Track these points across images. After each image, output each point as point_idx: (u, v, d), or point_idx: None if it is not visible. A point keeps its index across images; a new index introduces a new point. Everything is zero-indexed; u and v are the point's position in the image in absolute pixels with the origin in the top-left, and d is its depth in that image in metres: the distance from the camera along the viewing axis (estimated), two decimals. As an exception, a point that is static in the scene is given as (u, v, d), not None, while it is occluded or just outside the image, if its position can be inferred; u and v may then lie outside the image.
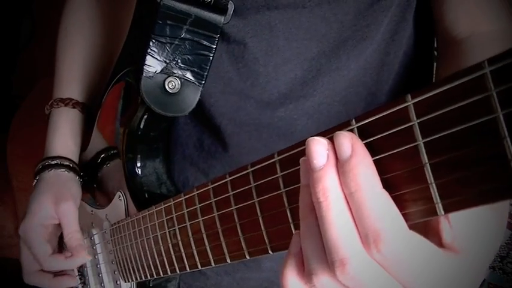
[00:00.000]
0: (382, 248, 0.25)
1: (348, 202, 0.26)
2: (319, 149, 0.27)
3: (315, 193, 0.27)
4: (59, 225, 0.61)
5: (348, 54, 0.53)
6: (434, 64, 0.61)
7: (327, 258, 0.27)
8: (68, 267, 0.62)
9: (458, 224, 0.28)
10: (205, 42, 0.51)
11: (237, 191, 0.37)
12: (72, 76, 0.68)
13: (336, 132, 0.27)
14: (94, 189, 0.69)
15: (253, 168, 0.35)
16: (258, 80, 0.54)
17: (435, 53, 0.60)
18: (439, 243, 0.28)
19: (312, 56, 0.53)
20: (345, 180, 0.26)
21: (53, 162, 0.62)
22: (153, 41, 0.50)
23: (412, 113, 0.25)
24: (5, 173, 1.33)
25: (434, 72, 0.61)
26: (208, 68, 0.51)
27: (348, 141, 0.26)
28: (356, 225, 0.26)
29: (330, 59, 0.53)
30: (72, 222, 0.60)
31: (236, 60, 0.54)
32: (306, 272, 0.29)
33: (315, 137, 0.27)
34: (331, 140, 0.27)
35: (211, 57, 0.51)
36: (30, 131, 1.31)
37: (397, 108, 0.26)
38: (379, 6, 0.52)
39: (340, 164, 0.26)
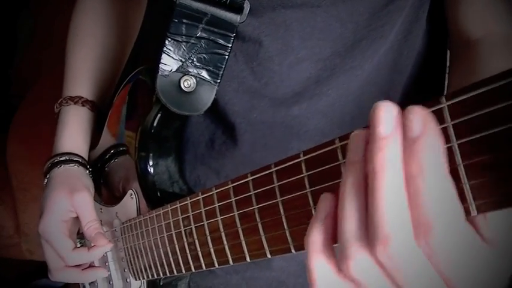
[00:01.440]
0: (431, 241, 0.24)
1: (407, 183, 0.24)
2: (387, 116, 0.24)
3: (373, 162, 0.25)
4: (77, 219, 0.61)
5: (362, 54, 0.53)
6: (447, 64, 0.62)
7: (368, 236, 0.26)
8: (92, 258, 0.61)
9: (494, 218, 0.26)
10: (221, 41, 0.51)
11: (259, 190, 0.37)
12: (82, 74, 0.68)
13: (408, 107, 0.24)
14: (101, 186, 0.69)
15: (276, 168, 0.35)
16: (272, 79, 0.54)
17: (448, 53, 0.60)
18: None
19: (326, 55, 0.53)
20: (408, 161, 0.24)
21: (61, 159, 0.62)
22: (169, 39, 0.50)
23: (447, 115, 0.25)
24: (5, 172, 1.33)
25: (447, 72, 0.62)
26: (223, 66, 0.52)
27: (420, 119, 0.24)
28: (410, 209, 0.24)
29: (344, 59, 0.53)
30: (89, 212, 0.60)
31: (251, 59, 0.54)
32: (340, 254, 0.27)
33: (385, 102, 0.25)
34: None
35: (226, 56, 0.51)
36: (30, 131, 1.31)
37: (432, 109, 0.26)
38: (394, 7, 0.52)
39: (407, 143, 0.24)
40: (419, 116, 0.24)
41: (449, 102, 0.25)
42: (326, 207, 0.28)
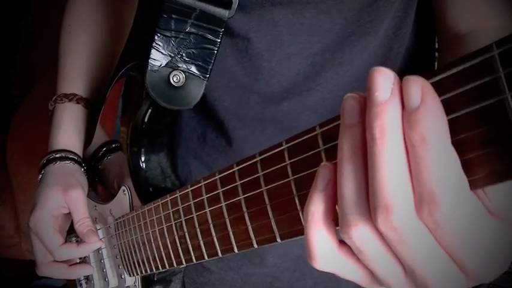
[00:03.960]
0: (436, 213, 0.23)
1: (407, 154, 0.24)
2: (384, 81, 0.24)
3: (371, 128, 0.24)
4: (68, 215, 0.61)
5: (352, 50, 0.53)
6: (436, 60, 0.62)
7: (369, 205, 0.25)
8: (80, 254, 0.62)
9: (499, 191, 0.25)
10: (209, 36, 0.51)
11: (245, 180, 0.37)
12: (76, 72, 0.68)
13: (406, 77, 0.24)
14: (96, 183, 0.70)
15: (261, 157, 0.36)
16: (261, 75, 0.54)
17: (436, 49, 0.61)
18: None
19: (315, 51, 0.53)
20: (408, 132, 0.23)
21: (57, 156, 0.62)
22: (158, 34, 0.51)
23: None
24: (5, 172, 1.33)
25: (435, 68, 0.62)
26: (212, 61, 0.52)
27: (418, 89, 0.23)
28: (412, 180, 0.24)
29: (334, 54, 0.54)
30: (82, 209, 0.60)
31: (240, 55, 0.54)
32: (341, 222, 0.26)
33: (381, 67, 0.24)
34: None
35: (215, 51, 0.52)
36: (30, 131, 1.31)
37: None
38: (383, 2, 0.52)
39: (406, 113, 0.23)
40: (419, 84, 0.23)
41: (440, 77, 0.24)
42: (325, 175, 0.27)
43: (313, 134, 0.31)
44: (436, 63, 0.62)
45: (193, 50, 0.51)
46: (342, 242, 0.28)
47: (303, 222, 0.33)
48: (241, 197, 0.38)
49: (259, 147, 0.57)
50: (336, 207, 0.28)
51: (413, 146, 0.23)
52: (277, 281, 0.64)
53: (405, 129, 0.23)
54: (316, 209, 0.28)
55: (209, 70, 0.52)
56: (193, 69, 0.52)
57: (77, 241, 0.68)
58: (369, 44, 0.54)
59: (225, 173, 0.40)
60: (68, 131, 0.65)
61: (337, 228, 0.28)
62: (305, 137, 0.32)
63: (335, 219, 0.28)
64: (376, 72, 0.24)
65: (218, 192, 0.41)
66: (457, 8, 0.52)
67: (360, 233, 0.26)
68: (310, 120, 0.56)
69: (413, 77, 0.23)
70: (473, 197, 0.24)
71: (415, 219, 0.24)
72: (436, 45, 0.61)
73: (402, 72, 0.60)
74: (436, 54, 0.62)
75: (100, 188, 0.69)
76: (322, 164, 0.28)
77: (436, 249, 0.25)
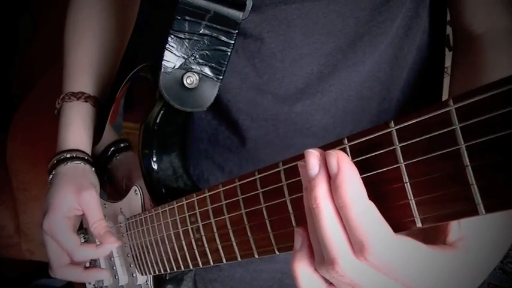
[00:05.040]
0: (368, 256, 0.28)
1: (339, 214, 0.29)
2: (312, 160, 0.30)
3: (309, 199, 0.30)
4: (79, 216, 0.61)
5: (364, 50, 0.54)
6: (446, 59, 0.62)
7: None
8: (98, 255, 0.62)
9: (470, 224, 0.31)
10: (223, 38, 0.51)
11: (267, 188, 0.37)
12: (83, 70, 0.67)
13: (326, 151, 0.30)
14: (105, 182, 0.70)
15: (284, 167, 0.36)
16: (274, 75, 0.54)
17: (446, 48, 0.61)
18: (443, 241, 0.31)
19: (328, 51, 0.53)
20: (335, 195, 0.29)
21: (68, 156, 0.62)
22: (172, 36, 0.50)
23: (454, 117, 0.26)
24: (5, 172, 1.32)
25: (445, 67, 0.62)
26: (226, 63, 0.52)
27: (335, 157, 0.29)
28: (347, 234, 0.29)
29: (346, 54, 0.54)
30: (96, 211, 0.60)
31: (253, 56, 0.54)
32: (316, 262, 0.32)
33: (310, 150, 0.30)
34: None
35: (229, 53, 0.51)
36: (30, 131, 1.30)
37: (439, 112, 0.26)
38: (394, 2, 0.52)
39: (332, 180, 0.29)
40: (334, 155, 0.29)
41: (457, 105, 0.25)
42: (299, 238, 0.33)
43: (341, 147, 0.31)
44: (445, 63, 0.62)
45: (206, 52, 0.51)
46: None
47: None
48: (263, 205, 0.38)
49: (272, 147, 0.58)
50: None
51: (340, 208, 0.29)
52: (287, 277, 0.65)
53: (332, 193, 0.29)
54: (298, 265, 0.33)
55: (223, 72, 0.52)
56: (206, 70, 0.52)
57: (85, 240, 0.68)
58: (381, 43, 0.54)
59: (246, 180, 0.40)
60: (77, 130, 0.64)
61: None
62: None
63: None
64: (306, 153, 0.30)
65: (238, 199, 0.41)
66: (473, 7, 0.53)
67: (328, 276, 0.31)
68: (323, 120, 0.56)
69: (331, 150, 0.29)
70: (399, 237, 0.28)
71: (357, 262, 0.29)
72: (445, 47, 0.61)
73: (413, 72, 0.60)
74: (443, 56, 0.63)
75: (109, 187, 0.69)
76: (296, 230, 0.34)
77: (388, 281, 0.29)
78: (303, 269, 0.33)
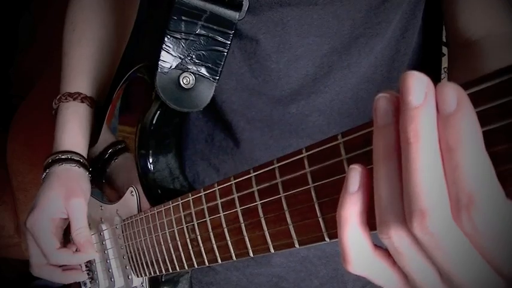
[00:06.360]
0: (474, 215, 0.23)
1: (442, 158, 0.24)
2: (418, 85, 0.24)
3: (405, 132, 0.24)
4: (66, 219, 0.61)
5: (359, 52, 0.54)
6: (442, 61, 0.62)
7: (404, 208, 0.25)
8: (74, 262, 0.62)
9: None
10: (220, 38, 0.51)
11: (262, 185, 0.37)
12: (81, 70, 0.68)
13: (441, 83, 0.24)
14: (103, 185, 0.69)
15: (279, 164, 0.36)
16: (270, 77, 0.54)
17: (443, 51, 0.61)
18: None
19: (323, 52, 0.54)
20: (445, 134, 0.23)
21: (63, 157, 0.62)
22: (168, 36, 0.50)
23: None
24: (5, 172, 1.32)
25: (442, 70, 0.62)
26: (222, 63, 0.52)
27: (455, 93, 0.23)
28: (447, 184, 0.24)
29: (342, 56, 0.54)
30: (81, 219, 0.60)
31: (248, 57, 0.54)
32: (379, 223, 0.26)
33: (415, 71, 0.24)
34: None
35: (225, 53, 0.52)
36: (30, 131, 1.30)
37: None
38: (390, 4, 0.52)
39: (442, 117, 0.23)
40: (454, 90, 0.23)
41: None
42: (356, 178, 0.27)
43: (336, 143, 0.31)
44: (442, 66, 0.62)
45: (203, 52, 0.51)
46: (376, 246, 0.29)
47: (323, 229, 0.33)
48: (258, 202, 0.38)
49: (267, 148, 0.58)
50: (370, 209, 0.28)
51: (450, 150, 0.23)
52: (283, 281, 0.64)
53: (440, 133, 0.24)
54: (348, 213, 0.27)
55: (219, 72, 0.52)
56: (203, 71, 0.52)
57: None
58: (377, 45, 0.54)
59: (241, 178, 0.40)
60: (73, 131, 0.64)
61: (372, 232, 0.28)
62: (327, 145, 0.32)
63: (369, 223, 0.28)
64: (409, 76, 0.24)
65: (233, 197, 0.41)
66: (469, 13, 0.52)
67: (397, 235, 0.26)
68: (318, 122, 0.56)
69: (449, 82, 0.24)
70: (509, 202, 0.24)
71: (452, 224, 0.24)
72: (443, 48, 0.61)
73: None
74: (440, 57, 0.63)
75: (107, 189, 0.69)
76: (351, 166, 0.28)
77: (473, 254, 0.25)
78: (352, 216, 0.27)
